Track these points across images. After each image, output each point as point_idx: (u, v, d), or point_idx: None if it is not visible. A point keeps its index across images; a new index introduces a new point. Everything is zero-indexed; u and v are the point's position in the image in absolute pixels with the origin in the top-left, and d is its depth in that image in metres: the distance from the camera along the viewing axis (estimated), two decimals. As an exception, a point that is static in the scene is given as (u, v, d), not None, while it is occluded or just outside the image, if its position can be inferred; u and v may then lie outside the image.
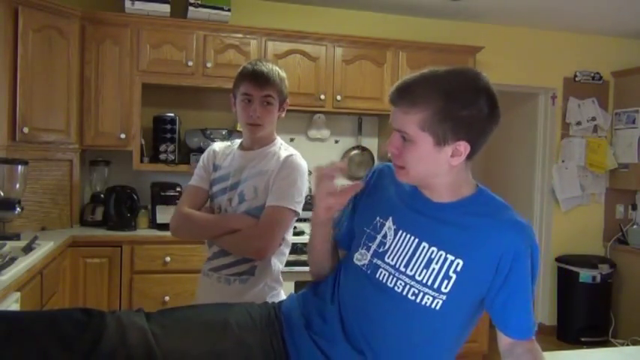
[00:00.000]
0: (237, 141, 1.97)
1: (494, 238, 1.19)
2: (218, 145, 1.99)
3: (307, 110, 3.92)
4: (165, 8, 3.49)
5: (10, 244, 2.51)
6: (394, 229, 1.27)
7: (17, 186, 2.89)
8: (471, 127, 1.18)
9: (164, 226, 3.50)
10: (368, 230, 1.31)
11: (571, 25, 4.47)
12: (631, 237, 4.60)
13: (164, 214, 3.52)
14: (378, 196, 1.36)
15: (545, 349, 1.31)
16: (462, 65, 1.22)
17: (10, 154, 2.97)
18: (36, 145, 3.15)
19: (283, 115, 1.91)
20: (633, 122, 4.56)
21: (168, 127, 3.56)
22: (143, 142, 3.57)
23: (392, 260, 1.24)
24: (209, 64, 3.55)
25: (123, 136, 3.42)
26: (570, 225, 4.71)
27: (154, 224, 3.52)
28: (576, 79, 4.68)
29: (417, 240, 1.23)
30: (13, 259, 2.23)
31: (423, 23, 4.31)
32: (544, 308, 4.76)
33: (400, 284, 1.21)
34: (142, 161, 3.54)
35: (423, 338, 1.22)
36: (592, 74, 4.71)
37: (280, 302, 1.43)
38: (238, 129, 3.71)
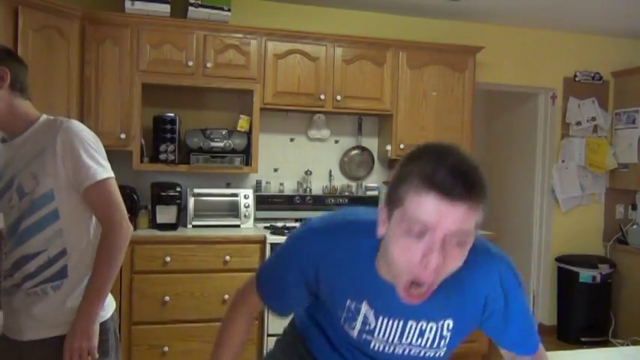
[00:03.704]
0: None
1: (473, 287, 1.14)
2: None
3: (307, 110, 3.92)
4: (165, 8, 3.49)
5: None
6: (373, 314, 1.17)
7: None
8: None
9: (164, 226, 3.50)
10: (343, 314, 1.20)
11: (571, 25, 4.47)
12: (631, 237, 4.60)
13: (164, 214, 3.52)
14: (334, 273, 1.17)
15: (545, 349, 1.31)
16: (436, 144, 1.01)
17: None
18: (36, 145, 3.14)
19: (5, 85, 1.56)
20: (633, 122, 4.55)
21: (168, 127, 3.56)
22: (143, 142, 3.57)
23: (383, 337, 1.20)
24: (209, 64, 3.55)
25: (123, 136, 3.42)
26: (570, 225, 4.71)
27: (153, 224, 3.53)
28: (576, 79, 4.68)
29: (402, 321, 1.17)
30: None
31: (423, 23, 4.31)
32: (544, 308, 4.76)
33: (399, 349, 1.21)
34: (142, 161, 3.54)
35: None
36: (592, 74, 4.71)
37: None
38: (239, 129, 3.71)
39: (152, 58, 3.48)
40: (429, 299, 1.02)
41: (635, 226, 4.68)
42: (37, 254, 1.56)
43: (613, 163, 4.64)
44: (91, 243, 1.62)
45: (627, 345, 4.09)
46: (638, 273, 4.43)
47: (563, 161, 4.67)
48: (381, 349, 1.22)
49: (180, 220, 3.58)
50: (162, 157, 3.54)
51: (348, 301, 1.17)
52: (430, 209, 0.91)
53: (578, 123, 4.66)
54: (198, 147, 3.60)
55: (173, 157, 3.56)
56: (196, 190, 3.72)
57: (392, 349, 1.21)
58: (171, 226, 3.51)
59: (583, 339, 4.38)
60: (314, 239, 1.18)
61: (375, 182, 4.24)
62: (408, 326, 1.17)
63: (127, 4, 3.42)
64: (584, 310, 4.45)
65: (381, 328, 1.18)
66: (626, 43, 4.75)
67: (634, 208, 4.80)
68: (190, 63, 3.52)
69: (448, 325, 1.17)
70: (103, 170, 1.57)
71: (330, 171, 4.18)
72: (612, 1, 3.82)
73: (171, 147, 3.55)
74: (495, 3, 3.95)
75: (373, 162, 4.26)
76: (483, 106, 5.31)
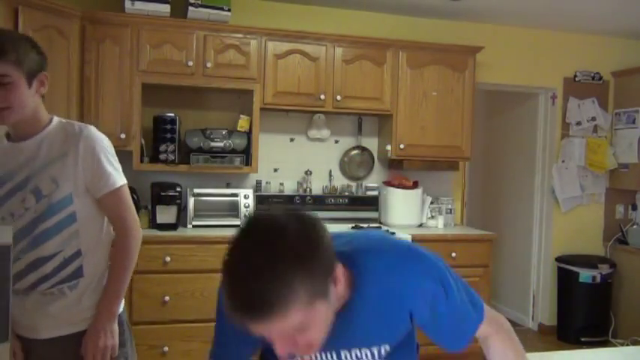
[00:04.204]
0: None
1: (390, 301, 1.12)
2: None
3: (307, 110, 3.92)
4: (166, 8, 3.49)
5: (10, 244, 2.50)
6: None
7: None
8: (328, 258, 0.99)
9: (164, 226, 3.50)
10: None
11: (571, 25, 4.47)
12: (631, 237, 4.60)
13: (164, 214, 3.52)
14: None
15: (545, 349, 1.32)
16: (243, 226, 0.98)
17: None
18: (36, 145, 3.14)
19: (43, 90, 1.59)
20: (633, 122, 4.55)
21: (169, 127, 3.56)
22: (143, 142, 3.57)
23: None
24: (209, 64, 3.55)
25: (123, 136, 3.42)
26: (570, 225, 4.71)
27: (153, 224, 3.52)
28: (576, 79, 4.68)
29: (334, 352, 1.17)
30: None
31: (423, 23, 4.31)
32: (544, 308, 4.76)
33: None
34: (142, 161, 3.54)
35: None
36: (592, 74, 4.71)
37: None
38: (239, 129, 3.71)
39: (152, 58, 3.48)
40: (355, 324, 1.10)
41: (635, 226, 4.68)
42: (54, 256, 1.59)
43: (613, 163, 4.64)
44: (103, 242, 1.68)
45: (627, 345, 4.09)
46: (638, 273, 4.42)
47: (563, 161, 4.67)
48: None
49: (180, 220, 3.58)
50: (163, 157, 3.54)
51: None
52: (248, 326, 0.93)
53: (578, 123, 4.66)
54: (198, 147, 3.60)
55: (173, 157, 3.56)
56: (196, 190, 3.72)
57: None
58: (172, 226, 3.51)
59: (583, 339, 4.38)
60: None
61: (375, 182, 4.24)
62: (343, 356, 1.17)
63: (127, 4, 3.42)
64: (584, 310, 4.45)
65: None
66: (626, 43, 4.75)
67: (634, 208, 4.80)
68: (190, 63, 3.52)
69: (384, 349, 1.18)
70: (120, 177, 1.65)
71: (330, 171, 4.18)
72: (612, 1, 3.82)
73: (171, 147, 3.55)
74: (495, 3, 3.95)
75: (373, 162, 4.26)
76: (483, 106, 5.31)
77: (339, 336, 1.11)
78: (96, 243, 1.66)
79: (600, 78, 4.72)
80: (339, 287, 1.03)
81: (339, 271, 1.02)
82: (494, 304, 4.93)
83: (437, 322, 1.16)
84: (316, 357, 1.18)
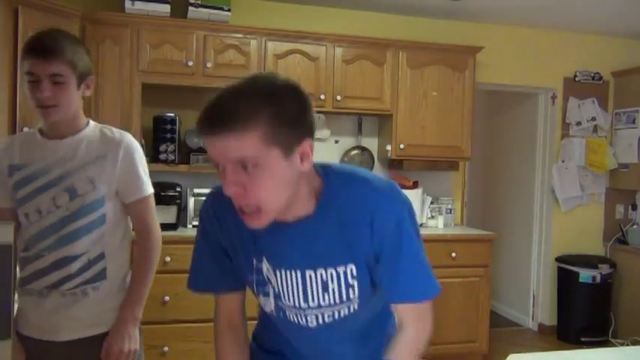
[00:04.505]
0: (27, 131, 1.68)
1: (354, 213, 1.10)
2: (2, 144, 1.66)
3: (307, 110, 3.92)
4: (166, 8, 3.49)
5: (10, 244, 2.50)
6: (272, 270, 1.16)
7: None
8: (304, 120, 1.04)
9: (164, 226, 3.47)
10: (254, 276, 1.20)
11: (571, 25, 4.47)
12: (631, 237, 4.60)
13: (164, 214, 3.52)
14: (237, 236, 1.18)
15: (545, 349, 1.31)
16: (255, 72, 1.08)
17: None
18: (36, 145, 3.14)
19: (88, 92, 1.64)
20: (633, 122, 4.56)
21: (168, 127, 3.56)
22: (143, 142, 3.56)
23: (289, 301, 1.17)
24: (209, 64, 3.55)
25: (123, 136, 3.42)
26: (570, 225, 4.72)
27: (154, 224, 3.52)
28: (576, 79, 4.68)
29: (299, 272, 1.14)
30: (12, 259, 2.22)
31: (423, 23, 4.31)
32: (544, 308, 4.76)
33: (312, 318, 1.18)
34: (142, 161, 3.54)
35: (364, 329, 1.23)
36: (592, 74, 4.71)
37: None
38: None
39: (152, 58, 3.48)
40: (323, 239, 1.10)
41: (635, 226, 4.68)
42: (80, 256, 1.60)
43: (613, 163, 4.64)
44: (125, 246, 1.72)
45: (627, 345, 4.09)
46: (638, 273, 4.43)
47: (563, 161, 4.67)
48: (297, 320, 1.20)
49: (180, 220, 3.58)
50: (163, 157, 3.54)
51: (254, 260, 1.18)
52: (207, 147, 1.00)
53: (578, 123, 4.66)
54: (198, 147, 3.59)
55: (173, 157, 3.56)
56: (196, 190, 3.72)
57: (305, 318, 1.18)
58: (172, 226, 3.51)
59: (583, 339, 4.38)
60: (208, 199, 1.23)
61: (375, 182, 4.23)
62: (307, 277, 1.14)
63: (127, 4, 3.42)
64: (584, 310, 4.45)
65: (283, 287, 1.16)
66: (626, 43, 4.75)
67: (634, 208, 4.80)
68: (190, 63, 3.52)
69: (351, 270, 1.13)
70: (150, 186, 1.72)
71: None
72: (612, 1, 3.82)
73: (171, 147, 3.55)
74: (495, 3, 3.95)
75: (373, 162, 4.26)
76: (483, 106, 5.31)
77: (304, 253, 1.12)
78: (119, 246, 1.69)
79: (600, 78, 4.72)
80: (304, 165, 1.04)
81: (309, 146, 1.04)
82: (494, 304, 4.93)
83: (391, 258, 1.12)
84: (283, 278, 1.15)
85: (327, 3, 4.05)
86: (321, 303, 1.16)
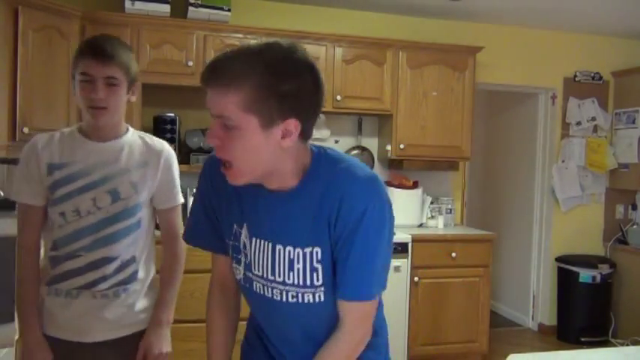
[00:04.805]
0: (66, 130, 1.70)
1: (331, 202, 1.10)
2: (41, 141, 1.64)
3: (307, 110, 3.92)
4: (165, 8, 3.49)
5: (10, 244, 2.50)
6: (249, 237, 1.18)
7: (17, 186, 2.88)
8: (298, 101, 1.04)
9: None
10: (231, 242, 1.23)
11: (571, 25, 4.47)
12: (631, 237, 4.60)
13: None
14: (226, 199, 1.22)
15: (545, 349, 1.31)
16: (277, 39, 1.08)
17: (10, 154, 2.96)
18: (36, 145, 3.14)
19: (133, 98, 1.67)
20: (633, 122, 4.56)
21: (169, 127, 3.56)
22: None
23: (258, 271, 1.19)
24: (209, 64, 3.55)
25: (123, 136, 3.43)
26: (570, 225, 4.72)
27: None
28: (576, 79, 4.68)
29: (270, 244, 1.16)
30: (12, 259, 2.22)
31: (423, 23, 4.31)
32: (544, 308, 4.76)
33: (277, 292, 1.18)
34: (142, 161, 3.54)
35: (326, 321, 1.20)
36: (592, 74, 4.71)
37: None
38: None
39: (152, 58, 3.48)
40: (298, 218, 1.12)
41: (635, 226, 4.68)
42: (116, 258, 1.63)
43: (613, 163, 4.64)
44: (151, 250, 1.76)
45: (627, 345, 4.09)
46: (638, 273, 4.43)
47: (563, 161, 4.67)
48: (261, 291, 1.20)
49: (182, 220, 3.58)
50: (163, 157, 3.54)
51: (235, 226, 1.21)
52: (207, 97, 1.07)
53: (578, 123, 4.66)
54: (198, 147, 3.59)
55: (173, 157, 3.56)
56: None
57: (270, 290, 1.18)
58: (172, 226, 3.51)
59: (583, 339, 4.38)
60: (206, 162, 1.28)
61: (375, 182, 4.23)
62: (277, 251, 1.15)
63: (127, 4, 3.42)
64: (584, 310, 4.45)
65: (255, 256, 1.18)
66: (626, 43, 4.75)
67: (634, 208, 4.80)
68: (190, 63, 3.52)
69: (317, 254, 1.13)
70: (181, 194, 1.79)
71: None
72: (612, 1, 3.82)
73: (171, 147, 3.55)
74: (495, 3, 3.95)
75: (373, 162, 4.26)
76: (483, 106, 5.31)
77: (278, 225, 1.14)
78: (148, 251, 1.73)
79: (600, 78, 4.72)
80: (285, 142, 1.05)
81: (293, 126, 1.05)
82: (494, 304, 4.94)
83: (344, 249, 1.11)
84: (255, 246, 1.18)
85: (327, 3, 4.05)
86: (286, 280, 1.16)
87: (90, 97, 1.56)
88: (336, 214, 1.10)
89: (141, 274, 1.70)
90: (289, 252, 1.14)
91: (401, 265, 3.62)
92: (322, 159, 1.15)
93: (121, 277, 1.65)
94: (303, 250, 1.13)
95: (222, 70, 1.02)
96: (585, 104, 4.67)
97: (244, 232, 1.19)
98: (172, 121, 3.57)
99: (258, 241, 1.17)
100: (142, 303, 1.71)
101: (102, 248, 1.61)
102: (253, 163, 1.07)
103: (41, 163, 1.61)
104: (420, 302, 3.68)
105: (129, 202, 1.63)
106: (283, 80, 1.02)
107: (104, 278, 1.62)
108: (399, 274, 3.60)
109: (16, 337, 1.76)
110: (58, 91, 3.18)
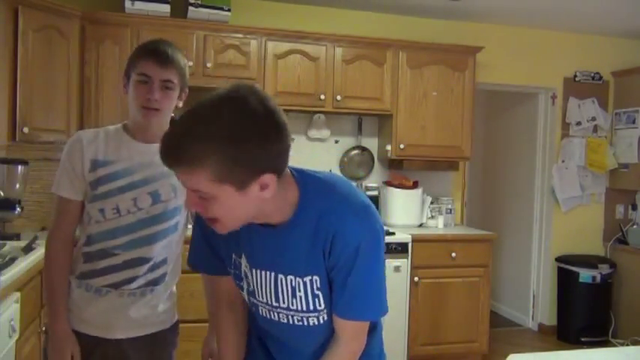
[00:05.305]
0: (111, 128, 1.70)
1: (325, 234, 1.12)
2: (86, 137, 1.65)
3: (307, 110, 3.92)
4: (165, 8, 3.49)
5: (10, 244, 2.52)
6: (249, 267, 1.20)
7: (17, 186, 2.89)
8: (265, 155, 1.01)
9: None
10: (232, 270, 1.25)
11: (571, 25, 4.47)
12: (631, 237, 4.60)
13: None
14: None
15: (545, 349, 1.31)
16: (227, 87, 1.04)
17: (10, 154, 2.97)
18: (36, 145, 3.14)
19: (181, 104, 1.68)
20: (633, 122, 4.56)
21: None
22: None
23: (262, 298, 1.21)
24: (209, 64, 3.55)
25: (123, 136, 3.42)
26: (570, 225, 4.71)
27: (154, 224, 3.52)
28: (576, 79, 4.68)
29: (272, 274, 1.18)
30: (13, 259, 2.23)
31: (423, 23, 4.31)
32: (544, 308, 4.76)
33: (283, 316, 1.21)
34: (142, 161, 3.54)
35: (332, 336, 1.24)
36: (592, 74, 4.71)
37: None
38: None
39: (152, 58, 3.48)
40: (293, 249, 1.13)
41: (635, 226, 4.68)
42: (151, 259, 1.65)
43: (613, 163, 4.64)
44: (180, 253, 1.75)
45: (627, 345, 4.09)
46: (638, 273, 4.43)
47: (563, 161, 4.67)
48: (267, 315, 1.23)
49: (180, 220, 3.58)
50: (163, 157, 3.54)
51: (234, 256, 1.23)
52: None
53: (578, 123, 4.66)
54: (198, 147, 3.58)
55: (173, 157, 3.56)
56: (196, 190, 3.71)
57: (276, 314, 1.21)
58: (172, 226, 3.51)
59: (583, 339, 4.38)
60: None
61: (375, 182, 4.23)
62: (279, 280, 1.17)
63: (127, 4, 3.42)
64: (584, 310, 4.45)
65: (257, 285, 1.20)
66: (626, 43, 4.75)
67: (634, 208, 4.80)
68: (190, 63, 3.51)
69: (316, 282, 1.16)
70: None
71: (330, 171, 4.17)
72: (612, 1, 3.82)
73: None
74: (495, 3, 3.95)
75: (373, 162, 4.26)
76: (483, 106, 5.31)
77: (276, 258, 1.16)
78: (178, 254, 1.74)
79: (600, 78, 4.72)
80: (265, 193, 1.04)
81: (270, 179, 1.03)
82: (494, 304, 4.94)
83: (341, 274, 1.13)
84: (258, 276, 1.19)
85: (327, 3, 4.05)
86: (290, 307, 1.19)
87: (145, 97, 1.59)
88: (329, 247, 1.12)
89: (169, 277, 1.71)
90: (291, 281, 1.17)
91: (401, 265, 3.62)
92: (309, 189, 1.14)
93: (150, 277, 1.66)
94: (303, 280, 1.16)
95: (180, 152, 0.98)
96: (585, 104, 4.67)
97: (244, 262, 1.21)
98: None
99: (258, 271, 1.19)
100: (164, 304, 1.73)
101: (138, 248, 1.62)
102: (238, 216, 1.07)
103: (85, 159, 1.62)
104: (420, 302, 3.68)
105: (169, 204, 1.64)
106: (245, 144, 0.98)
107: (135, 278, 1.63)
108: (399, 274, 3.60)
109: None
110: (58, 91, 3.18)
